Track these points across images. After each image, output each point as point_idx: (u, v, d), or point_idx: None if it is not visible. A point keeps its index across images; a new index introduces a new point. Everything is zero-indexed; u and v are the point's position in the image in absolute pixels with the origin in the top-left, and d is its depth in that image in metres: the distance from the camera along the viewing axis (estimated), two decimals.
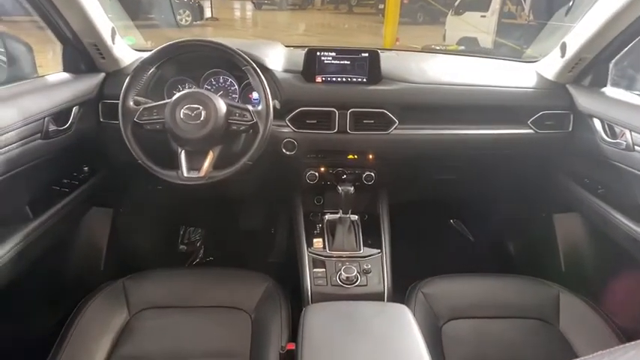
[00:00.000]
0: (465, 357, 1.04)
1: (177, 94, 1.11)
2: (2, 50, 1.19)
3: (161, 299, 1.12)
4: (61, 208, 1.18)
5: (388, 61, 1.33)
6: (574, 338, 1.07)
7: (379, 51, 1.30)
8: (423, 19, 11.08)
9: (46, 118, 1.09)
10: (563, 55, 1.31)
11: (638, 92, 1.26)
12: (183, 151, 1.12)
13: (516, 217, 1.76)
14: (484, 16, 7.39)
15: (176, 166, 1.12)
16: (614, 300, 1.17)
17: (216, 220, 1.87)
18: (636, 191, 1.15)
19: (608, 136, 1.22)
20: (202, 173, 1.10)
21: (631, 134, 1.14)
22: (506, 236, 1.83)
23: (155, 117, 1.11)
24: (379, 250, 1.27)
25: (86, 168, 1.33)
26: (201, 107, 1.09)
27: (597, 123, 1.26)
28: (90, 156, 1.33)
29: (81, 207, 1.36)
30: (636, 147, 1.12)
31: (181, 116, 1.08)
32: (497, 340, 1.08)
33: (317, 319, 0.89)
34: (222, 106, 1.11)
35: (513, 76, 1.42)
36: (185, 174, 1.10)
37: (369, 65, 1.29)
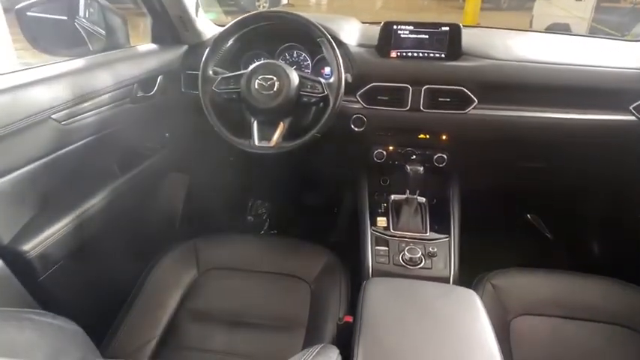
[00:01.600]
0: (534, 356, 0.96)
1: (253, 65, 1.14)
2: (101, 21, 1.29)
3: (228, 261, 1.17)
4: (144, 169, 1.27)
5: (470, 37, 1.24)
6: None
7: (461, 27, 1.23)
8: (507, 5, 10.23)
9: (135, 84, 1.18)
10: None
11: None
12: (255, 121, 1.15)
13: (605, 216, 1.59)
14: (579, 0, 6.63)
15: (248, 135, 1.15)
16: None
17: (283, 196, 1.91)
18: None
19: None
20: (272, 143, 1.12)
21: None
22: (590, 236, 1.66)
23: (232, 86, 1.15)
24: (447, 235, 1.21)
25: (167, 135, 1.42)
26: (275, 78, 1.11)
27: None
28: (172, 124, 1.42)
29: (161, 170, 1.45)
30: None
31: (256, 86, 1.11)
32: (573, 343, 0.98)
33: (378, 292, 0.86)
34: (294, 77, 1.11)
35: (613, 56, 1.26)
36: (256, 143, 1.13)
37: (449, 40, 1.21)
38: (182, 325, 1.03)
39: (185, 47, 1.37)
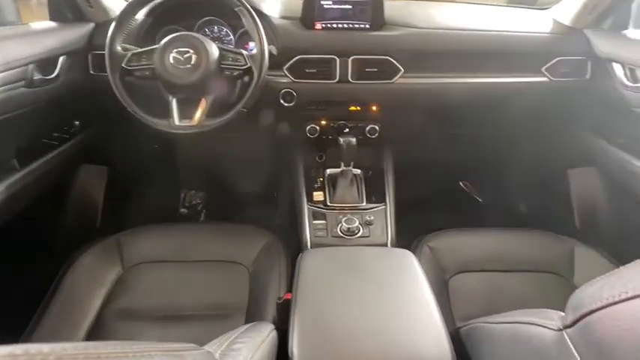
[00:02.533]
0: (473, 310, 0.98)
1: (166, 38, 1.05)
2: None
3: (156, 254, 1.08)
4: (49, 160, 1.14)
5: (392, 8, 1.24)
6: None
7: None
8: None
9: (30, 66, 1.04)
10: None
11: None
12: (174, 99, 1.06)
13: (529, 175, 1.69)
14: None
15: (168, 115, 1.06)
16: (634, 253, 1.10)
17: (218, 184, 1.82)
18: None
19: (629, 81, 1.13)
20: (195, 122, 1.05)
21: None
22: (517, 195, 1.76)
23: (144, 63, 1.06)
24: (383, 203, 1.22)
25: (77, 122, 1.28)
26: (191, 51, 1.03)
27: (617, 68, 1.17)
28: (81, 110, 1.28)
29: (71, 162, 1.32)
30: None
31: (171, 61, 1.03)
32: (507, 294, 1.02)
33: (313, 262, 0.84)
34: (214, 49, 1.05)
35: (526, 22, 1.33)
36: (177, 122, 1.05)
37: (372, 10, 1.21)
38: (108, 325, 0.93)
39: (91, 25, 1.24)
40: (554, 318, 0.46)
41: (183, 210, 1.82)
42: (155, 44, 1.26)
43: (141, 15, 1.16)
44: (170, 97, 1.07)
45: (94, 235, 1.15)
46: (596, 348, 0.37)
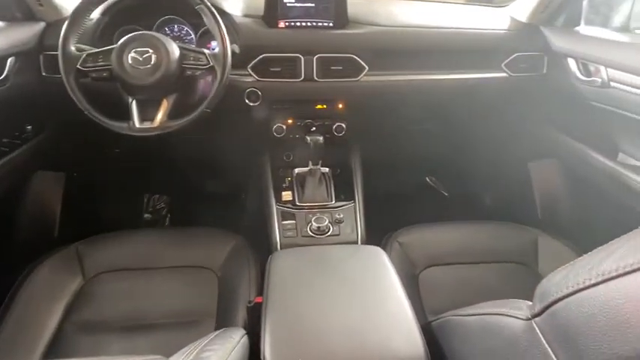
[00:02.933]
0: (443, 303, 0.99)
1: (124, 38, 1.02)
2: None
3: (119, 262, 1.04)
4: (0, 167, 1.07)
5: (355, 5, 1.25)
6: None
7: None
8: None
9: None
10: None
11: (612, 29, 1.22)
12: (134, 101, 1.03)
13: (491, 168, 1.74)
14: None
15: (128, 117, 1.03)
16: (594, 241, 1.15)
17: (183, 187, 1.77)
18: (613, 128, 1.12)
19: (582, 75, 1.18)
20: (156, 123, 1.01)
21: (606, 70, 1.10)
22: (481, 188, 1.81)
23: (101, 63, 1.01)
24: (352, 201, 1.22)
25: (29, 127, 1.21)
26: (151, 51, 1.00)
27: (572, 62, 1.22)
28: (34, 114, 1.22)
29: (24, 169, 1.25)
30: (612, 83, 1.09)
31: (129, 61, 0.99)
32: (476, 285, 1.05)
33: (283, 263, 0.82)
34: (174, 49, 1.02)
35: (485, 19, 1.36)
36: (137, 124, 1.01)
37: (335, 8, 1.21)
38: (69, 340, 0.89)
39: (42, 24, 1.18)
40: (522, 308, 0.47)
41: (147, 215, 1.76)
42: (112, 44, 1.22)
43: (96, 14, 1.12)
44: (130, 99, 1.03)
45: (51, 245, 1.09)
46: (564, 335, 0.38)
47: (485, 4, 1.55)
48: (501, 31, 1.31)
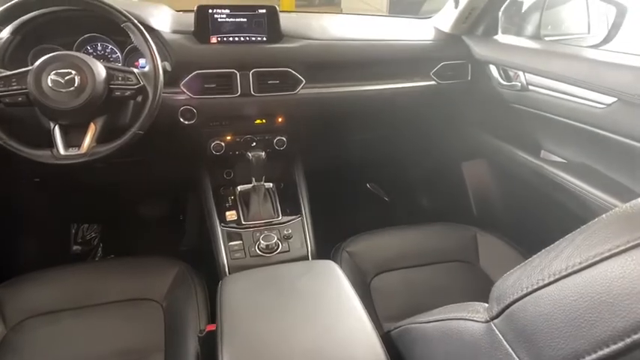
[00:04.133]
0: (395, 308, 1.02)
1: (42, 58, 0.93)
2: None
3: (48, 304, 0.94)
4: None
5: (288, 20, 1.25)
6: (494, 273, 1.11)
7: (277, 8, 1.22)
8: (319, 1, 10.99)
9: None
10: (456, 6, 1.34)
11: (525, 37, 1.33)
12: (57, 126, 0.95)
13: (427, 171, 1.82)
14: None
15: (50, 144, 0.94)
16: (526, 232, 1.24)
17: (115, 213, 1.66)
18: (534, 128, 1.22)
19: (504, 80, 1.27)
20: (84, 149, 0.94)
21: (524, 75, 1.20)
22: (419, 191, 1.88)
23: (15, 87, 0.92)
24: (299, 215, 1.21)
25: None
26: (73, 72, 0.92)
27: (493, 69, 1.32)
28: None
29: None
30: (530, 86, 1.19)
31: (49, 84, 0.91)
32: (424, 287, 1.08)
33: (236, 288, 0.79)
34: (100, 69, 0.95)
35: (412, 31, 1.43)
36: (62, 152, 0.93)
37: (267, 22, 1.20)
38: None
39: None
40: (479, 310, 0.48)
41: (76, 247, 1.62)
42: (27, 66, 1.12)
43: (5, 33, 1.02)
44: (52, 125, 0.95)
45: None
46: (523, 334, 0.39)
47: (410, 16, 1.63)
48: (428, 42, 1.38)
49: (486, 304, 0.48)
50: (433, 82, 1.36)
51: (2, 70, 0.96)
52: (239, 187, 1.26)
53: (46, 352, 0.87)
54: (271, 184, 1.27)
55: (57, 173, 1.00)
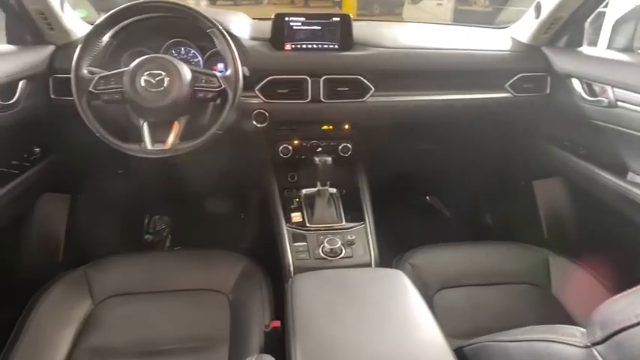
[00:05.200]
0: (458, 326, 0.98)
1: (137, 60, 1.02)
2: None
3: (128, 285, 1.02)
4: (9, 191, 1.06)
5: (360, 29, 1.27)
6: (568, 300, 1.04)
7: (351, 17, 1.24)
8: (379, 11, 10.95)
9: None
10: (537, 16, 1.29)
11: (615, 49, 1.24)
12: (145, 123, 1.03)
13: (494, 187, 1.74)
14: (440, 4, 7.38)
15: (139, 139, 1.03)
16: (604, 259, 1.15)
17: (183, 208, 1.76)
18: (621, 147, 1.13)
19: (587, 95, 1.20)
20: (168, 145, 1.01)
21: (612, 90, 1.11)
22: (483, 207, 1.81)
23: (113, 86, 1.02)
24: (362, 222, 1.21)
25: (37, 149, 1.21)
26: (163, 73, 1.00)
27: (576, 83, 1.24)
28: (42, 136, 1.21)
29: (32, 191, 1.24)
30: (619, 102, 1.10)
31: (142, 84, 1.00)
32: (490, 307, 1.03)
33: (306, 287, 0.81)
34: (186, 71, 1.02)
35: (488, 41, 1.39)
36: (149, 147, 1.01)
37: (340, 30, 1.23)
38: None
39: (51, 48, 1.19)
40: (575, 334, 0.46)
41: (147, 236, 1.74)
42: (120, 67, 1.23)
43: (106, 37, 1.13)
44: (141, 121, 1.03)
45: (57, 269, 1.08)
46: None
47: (485, 25, 1.58)
48: (504, 52, 1.34)
49: (581, 328, 0.45)
50: (508, 95, 1.31)
51: (102, 71, 1.06)
52: (304, 191, 1.28)
53: (125, 330, 0.94)
54: (335, 190, 1.28)
55: (137, 167, 1.08)
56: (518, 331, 0.58)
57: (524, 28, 1.37)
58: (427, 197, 2.04)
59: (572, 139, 1.32)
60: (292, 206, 1.25)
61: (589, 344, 0.43)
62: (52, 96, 1.16)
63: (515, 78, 1.30)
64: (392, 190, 1.67)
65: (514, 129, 1.46)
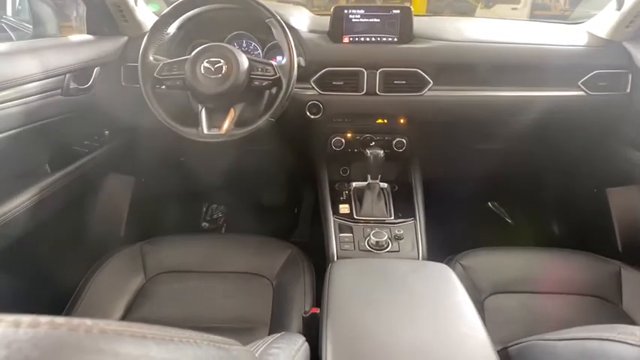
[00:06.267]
0: (511, 333, 0.91)
1: (198, 48, 1.07)
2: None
3: (179, 263, 1.07)
4: (79, 168, 1.15)
5: (420, 23, 1.24)
6: None
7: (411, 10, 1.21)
8: (449, 16, 10.64)
9: (67, 75, 1.07)
10: (619, 8, 1.18)
11: None
12: (203, 108, 1.07)
13: (563, 194, 1.61)
14: (515, 9, 7.00)
15: (197, 124, 1.07)
16: None
17: (240, 198, 1.81)
18: None
19: None
20: (223, 131, 1.05)
21: None
22: (549, 214, 1.68)
23: (175, 72, 1.07)
24: (412, 218, 1.17)
25: (107, 132, 1.30)
26: (222, 61, 1.04)
27: None
28: (111, 120, 1.31)
29: (99, 170, 1.33)
30: None
31: (202, 71, 1.04)
32: (548, 317, 0.95)
33: (345, 272, 0.79)
34: (244, 60, 1.05)
35: (559, 35, 1.29)
36: (205, 131, 1.05)
37: (400, 23, 1.20)
38: None
39: (125, 38, 1.28)
40: (635, 333, 0.41)
41: (204, 223, 1.82)
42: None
43: (172, 29, 1.19)
44: (199, 107, 1.07)
45: (118, 242, 1.15)
46: None
47: (559, 21, 1.48)
48: (578, 47, 1.23)
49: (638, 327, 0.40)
50: (581, 93, 1.21)
51: (168, 59, 1.12)
52: (354, 184, 1.27)
53: (173, 305, 0.98)
54: (386, 185, 1.25)
55: (197, 156, 1.12)
56: (570, 330, 0.53)
57: (603, 21, 1.25)
58: (489, 203, 1.93)
59: None
60: (341, 198, 1.24)
61: None
62: (123, 83, 1.25)
63: (590, 75, 1.20)
64: (448, 192, 1.60)
65: (587, 131, 1.34)
